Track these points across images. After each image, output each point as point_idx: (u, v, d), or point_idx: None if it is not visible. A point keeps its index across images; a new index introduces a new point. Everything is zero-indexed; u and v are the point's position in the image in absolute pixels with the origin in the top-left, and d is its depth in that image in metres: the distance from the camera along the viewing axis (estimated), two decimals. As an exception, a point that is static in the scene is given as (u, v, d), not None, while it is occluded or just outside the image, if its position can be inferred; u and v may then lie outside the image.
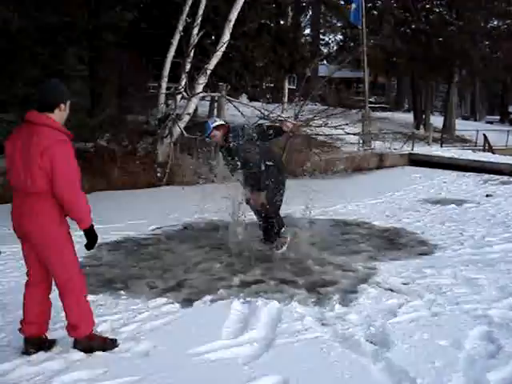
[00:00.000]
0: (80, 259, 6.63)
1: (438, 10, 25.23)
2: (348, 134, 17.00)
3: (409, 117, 33.20)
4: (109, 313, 4.94)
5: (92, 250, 6.98)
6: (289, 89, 33.50)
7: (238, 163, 7.02)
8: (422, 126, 29.03)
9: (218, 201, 10.97)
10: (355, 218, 9.82)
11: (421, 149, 21.06)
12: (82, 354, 4.12)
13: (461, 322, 4.83)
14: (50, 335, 4.32)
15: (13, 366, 3.93)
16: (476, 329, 4.68)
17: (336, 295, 5.56)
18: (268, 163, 7.15)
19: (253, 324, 4.72)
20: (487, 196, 12.60)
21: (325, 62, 35.08)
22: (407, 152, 19.97)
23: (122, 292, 5.56)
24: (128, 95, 14.38)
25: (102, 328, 4.55)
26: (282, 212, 9.94)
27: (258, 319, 4.82)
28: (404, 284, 5.96)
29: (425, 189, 13.92)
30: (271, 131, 7.10)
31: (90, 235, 4.08)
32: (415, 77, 29.62)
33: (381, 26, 24.58)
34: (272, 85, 33.53)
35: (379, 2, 26.33)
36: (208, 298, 5.39)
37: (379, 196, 12.32)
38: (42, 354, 4.11)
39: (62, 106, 3.94)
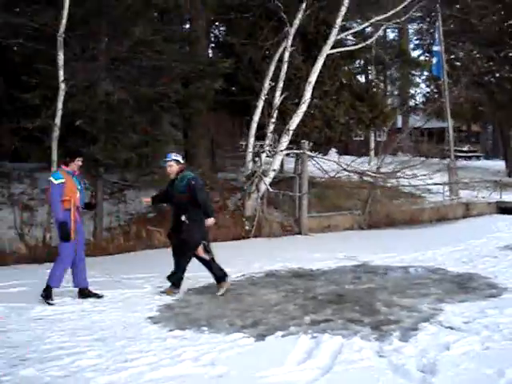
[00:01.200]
0: (171, 301, 7.60)
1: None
2: (432, 184, 17.36)
3: (503, 165, 32.70)
4: (192, 344, 5.72)
5: (182, 294, 7.92)
6: (379, 141, 34.09)
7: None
8: (514, 174, 28.55)
9: (300, 251, 11.77)
10: (431, 264, 10.19)
11: (510, 196, 20.86)
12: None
13: (509, 355, 5.21)
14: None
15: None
16: (523, 361, 5.06)
17: (397, 332, 6.07)
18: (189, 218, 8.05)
19: (316, 354, 5.34)
20: None
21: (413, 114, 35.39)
22: (495, 200, 19.87)
23: (205, 328, 6.34)
24: (219, 155, 15.57)
25: (185, 356, 5.33)
26: (362, 260, 10.56)
27: (321, 351, 5.44)
28: (464, 323, 6.35)
29: (508, 236, 13.95)
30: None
31: None
32: (503, 124, 29.35)
33: (463, 76, 24.82)
34: (362, 138, 34.26)
35: (461, 53, 26.65)
36: (280, 333, 6.07)
37: (459, 244, 12.54)
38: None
39: None
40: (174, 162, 8.20)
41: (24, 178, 14.84)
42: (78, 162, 7.72)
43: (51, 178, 7.55)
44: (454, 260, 10.64)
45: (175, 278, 8.20)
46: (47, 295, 7.61)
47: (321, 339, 5.79)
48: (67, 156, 7.79)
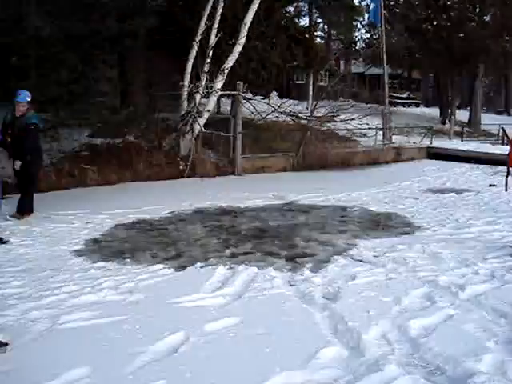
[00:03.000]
0: (98, 236, 7.79)
1: (458, 6, 25.66)
2: (365, 128, 17.84)
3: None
4: (114, 274, 5.97)
5: (110, 229, 8.12)
6: (320, 86, 34.40)
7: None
8: (447, 121, 29.43)
9: (232, 191, 12.08)
10: (354, 204, 10.66)
11: (440, 142, 21.62)
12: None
13: (409, 284, 5.66)
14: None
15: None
16: (420, 290, 5.49)
17: (310, 264, 6.48)
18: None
19: (230, 283, 5.68)
20: (490, 186, 13.21)
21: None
22: (425, 146, 20.57)
23: (128, 260, 6.61)
24: (154, 94, 15.53)
25: (107, 285, 5.58)
26: (290, 199, 10.98)
27: (235, 280, 5.79)
28: (374, 256, 6.81)
29: (432, 179, 14.62)
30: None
31: None
32: (439, 72, 30.06)
33: (401, 23, 25.20)
34: (302, 82, 34.45)
35: (401, 0, 26.92)
36: (199, 264, 6.39)
37: (385, 186, 13.09)
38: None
39: None
40: (27, 104, 8.60)
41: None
42: None
43: None
44: (377, 200, 11.14)
45: (23, 206, 8.87)
46: None
47: (237, 269, 6.14)
48: None
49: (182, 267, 6.32)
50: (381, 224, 8.93)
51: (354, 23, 33.01)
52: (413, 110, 36.32)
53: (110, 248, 7.23)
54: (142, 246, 7.34)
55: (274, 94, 28.48)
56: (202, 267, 6.30)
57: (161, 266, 6.35)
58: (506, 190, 8.50)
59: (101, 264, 6.44)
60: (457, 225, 8.72)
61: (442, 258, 6.71)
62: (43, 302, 5.13)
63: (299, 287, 5.59)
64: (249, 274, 6.01)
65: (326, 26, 35.65)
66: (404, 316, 4.81)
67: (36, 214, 9.11)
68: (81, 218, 9.01)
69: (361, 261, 6.62)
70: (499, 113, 44.98)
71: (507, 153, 8.64)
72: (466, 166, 17.60)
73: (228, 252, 7.01)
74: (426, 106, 43.15)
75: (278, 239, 7.77)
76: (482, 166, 17.38)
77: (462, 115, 32.52)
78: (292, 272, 6.16)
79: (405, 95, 42.45)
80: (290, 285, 5.71)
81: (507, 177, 8.49)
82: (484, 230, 8.33)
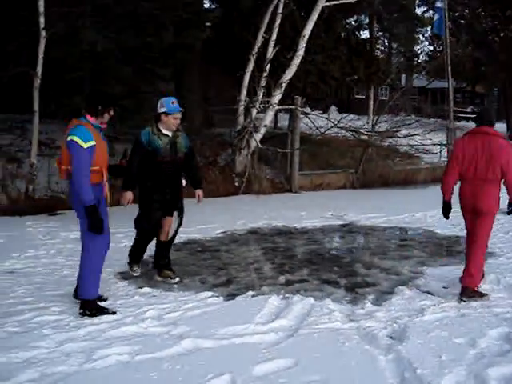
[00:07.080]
0: (146, 257, 7.40)
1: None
2: (429, 144, 17.09)
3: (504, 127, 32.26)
4: (158, 302, 5.54)
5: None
6: (381, 100, 33.55)
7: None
8: (515, 136, 28.10)
9: (288, 209, 11.57)
10: (419, 226, 10.00)
11: (508, 159, 20.52)
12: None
13: (485, 323, 5.02)
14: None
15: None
16: (497, 330, 4.84)
17: (372, 295, 5.89)
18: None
19: (283, 316, 5.16)
20: None
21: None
22: (493, 162, 19.54)
23: (175, 286, 6.18)
24: (210, 109, 15.24)
25: (149, 314, 5.15)
26: (349, 219, 10.37)
27: (289, 312, 5.26)
28: (444, 288, 6.17)
29: (503, 199, 13.69)
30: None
31: None
32: (506, 85, 28.83)
33: (466, 35, 24.22)
34: (363, 97, 33.72)
35: (466, 11, 25.92)
36: (250, 293, 5.89)
37: (452, 206, 12.29)
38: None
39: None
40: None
41: (15, 129, 14.49)
42: (111, 111, 5.18)
43: (75, 138, 4.85)
44: (444, 222, 10.37)
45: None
46: (92, 313, 5.20)
47: (291, 300, 5.62)
48: (98, 103, 5.06)
49: (232, 295, 5.84)
50: (449, 249, 8.25)
51: (417, 35, 32.13)
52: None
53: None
54: (192, 269, 6.92)
55: (334, 108, 27.88)
56: (253, 296, 5.80)
57: (209, 293, 5.89)
58: None
59: (146, 290, 6.04)
60: (534, 252, 7.96)
61: (519, 291, 6.02)
62: (81, 332, 4.74)
63: (360, 323, 5.02)
64: (304, 305, 5.48)
65: (386, 40, 34.91)
66: (481, 363, 4.18)
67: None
68: (130, 237, 8.66)
69: (428, 293, 5.99)
70: None
71: None
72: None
73: (282, 279, 6.50)
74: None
75: (337, 265, 7.22)
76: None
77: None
78: (352, 304, 5.60)
79: (468, 109, 41.11)
80: (350, 320, 5.14)
81: None
82: None
